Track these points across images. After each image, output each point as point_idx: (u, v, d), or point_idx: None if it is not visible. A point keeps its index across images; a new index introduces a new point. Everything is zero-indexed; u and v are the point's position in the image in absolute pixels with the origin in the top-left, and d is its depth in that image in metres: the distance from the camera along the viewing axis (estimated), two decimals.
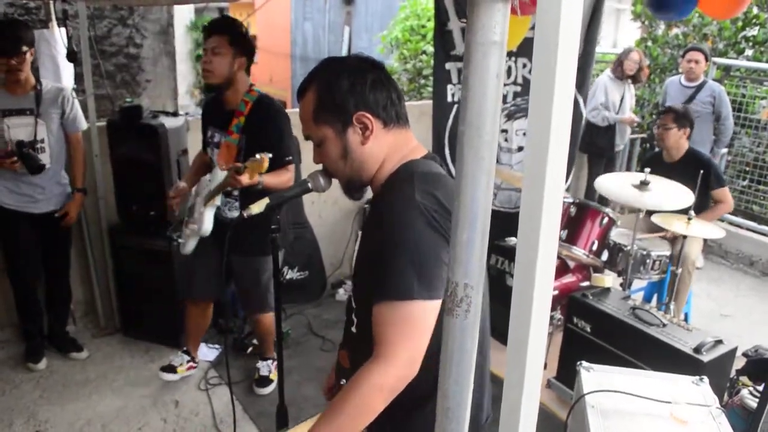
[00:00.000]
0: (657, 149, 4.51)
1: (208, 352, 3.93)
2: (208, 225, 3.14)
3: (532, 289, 0.82)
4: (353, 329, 1.57)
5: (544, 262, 0.80)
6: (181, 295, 3.67)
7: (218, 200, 3.13)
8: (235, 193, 3.17)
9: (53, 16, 3.70)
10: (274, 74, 21.17)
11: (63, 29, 3.57)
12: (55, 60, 3.73)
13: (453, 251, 0.86)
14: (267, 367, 3.65)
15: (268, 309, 3.44)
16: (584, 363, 2.31)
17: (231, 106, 3.11)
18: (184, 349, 3.70)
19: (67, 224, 3.64)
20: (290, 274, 4.63)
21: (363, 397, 1.30)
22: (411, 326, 1.31)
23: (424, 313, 1.32)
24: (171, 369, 3.59)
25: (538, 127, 0.77)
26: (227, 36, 2.96)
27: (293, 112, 4.15)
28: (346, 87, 1.43)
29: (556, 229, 0.81)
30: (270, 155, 2.67)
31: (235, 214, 3.22)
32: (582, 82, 4.65)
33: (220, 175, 3.07)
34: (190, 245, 3.29)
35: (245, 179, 2.80)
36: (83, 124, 3.66)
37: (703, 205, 4.15)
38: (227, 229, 3.11)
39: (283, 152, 3.04)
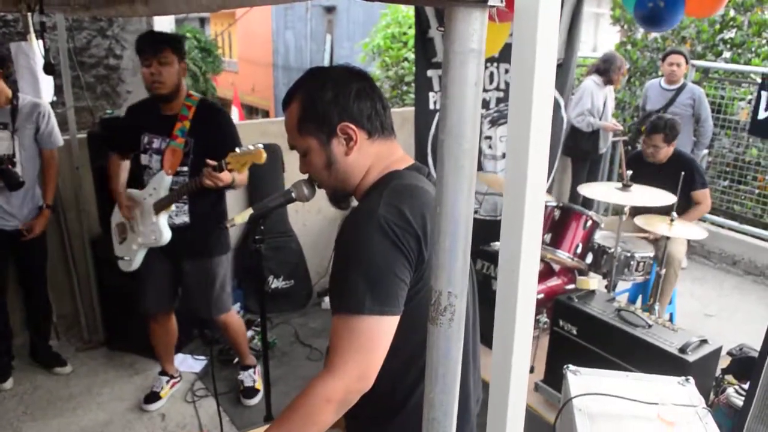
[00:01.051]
0: (640, 149, 4.54)
1: (194, 364, 3.90)
2: (167, 233, 3.08)
3: (516, 291, 0.82)
4: None
5: (527, 263, 0.81)
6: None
7: (173, 206, 3.08)
8: (184, 197, 3.10)
9: (31, 28, 3.66)
10: (256, 84, 21.20)
11: (41, 41, 3.54)
12: (34, 72, 3.70)
13: (435, 259, 0.86)
14: (250, 378, 3.63)
15: (226, 310, 3.39)
16: (571, 366, 2.32)
17: (171, 111, 3.05)
18: (160, 371, 3.66)
19: (31, 238, 3.54)
20: (275, 283, 4.63)
21: (310, 407, 1.30)
22: (361, 341, 1.30)
23: (375, 328, 1.30)
24: (155, 397, 3.55)
25: (517, 131, 0.77)
26: (170, 45, 2.95)
27: (277, 120, 4.16)
28: (330, 98, 1.43)
29: (538, 230, 0.81)
30: (261, 145, 2.68)
31: (184, 218, 3.14)
32: (563, 87, 4.68)
33: (166, 180, 3.03)
34: (137, 260, 3.20)
35: (227, 176, 2.81)
36: (59, 141, 3.60)
37: (686, 205, 4.18)
38: (175, 235, 3.10)
39: None
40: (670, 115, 4.49)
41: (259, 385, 3.58)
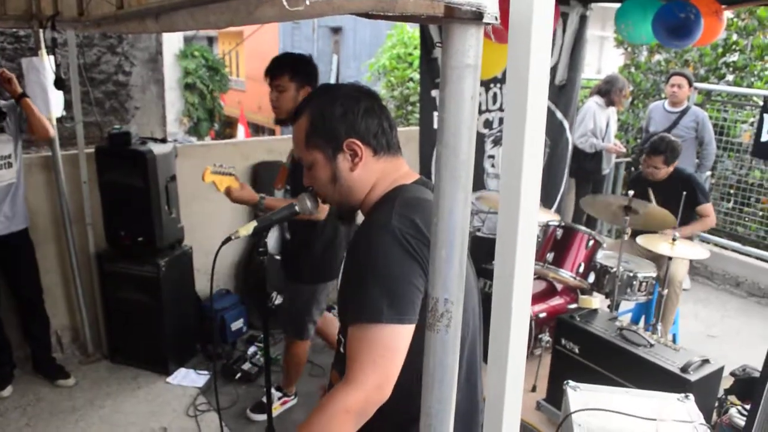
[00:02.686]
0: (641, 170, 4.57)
1: (196, 378, 3.91)
2: (269, 243, 3.24)
3: (510, 305, 0.84)
4: (341, 349, 1.58)
5: (521, 275, 0.83)
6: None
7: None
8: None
9: (42, 44, 3.72)
10: (262, 103, 21.28)
11: (52, 57, 3.60)
12: (44, 87, 3.75)
13: (432, 267, 0.89)
14: (275, 397, 3.60)
15: (298, 337, 3.39)
16: (571, 382, 2.33)
17: None
18: (276, 385, 3.67)
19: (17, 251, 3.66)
20: (278, 300, 4.63)
21: (329, 419, 1.30)
22: (380, 350, 1.31)
23: (394, 337, 1.31)
24: (261, 408, 3.56)
25: (512, 150, 0.80)
26: (287, 72, 3.00)
27: (282, 138, 4.20)
28: (339, 114, 1.47)
29: (532, 244, 0.84)
30: (233, 167, 2.92)
31: (287, 236, 3.32)
32: (567, 108, 4.72)
33: (277, 194, 3.22)
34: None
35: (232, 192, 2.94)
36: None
37: (687, 222, 4.21)
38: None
39: None
40: (673, 137, 4.51)
41: (277, 408, 3.57)
